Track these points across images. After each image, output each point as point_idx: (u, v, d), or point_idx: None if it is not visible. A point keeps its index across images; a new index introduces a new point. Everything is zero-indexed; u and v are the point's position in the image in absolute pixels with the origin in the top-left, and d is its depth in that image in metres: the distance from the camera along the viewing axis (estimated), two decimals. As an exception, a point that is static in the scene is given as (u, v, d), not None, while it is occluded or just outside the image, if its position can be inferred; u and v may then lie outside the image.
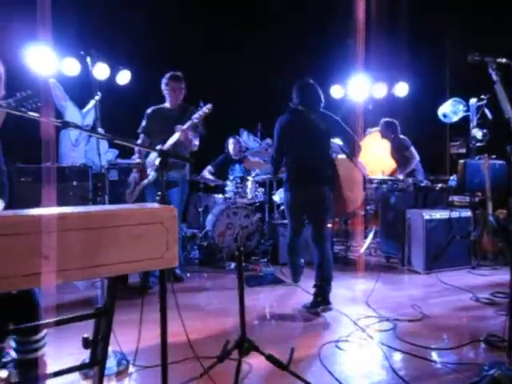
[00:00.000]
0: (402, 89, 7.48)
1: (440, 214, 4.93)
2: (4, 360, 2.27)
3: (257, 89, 6.46)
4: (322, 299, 3.58)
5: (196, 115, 4.07)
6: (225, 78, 6.35)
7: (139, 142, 4.34)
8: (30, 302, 1.97)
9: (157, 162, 1.74)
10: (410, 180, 5.38)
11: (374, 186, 5.78)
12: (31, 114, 1.81)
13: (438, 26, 6.65)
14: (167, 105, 4.45)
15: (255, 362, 2.58)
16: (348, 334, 3.09)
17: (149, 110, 4.44)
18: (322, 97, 3.83)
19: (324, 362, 2.66)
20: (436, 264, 4.82)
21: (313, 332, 3.22)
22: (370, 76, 7.23)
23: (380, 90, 7.51)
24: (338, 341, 2.98)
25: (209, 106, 4.12)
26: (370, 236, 5.74)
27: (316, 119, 3.75)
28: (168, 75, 4.39)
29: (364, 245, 5.68)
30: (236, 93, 6.31)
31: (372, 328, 3.22)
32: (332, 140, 3.95)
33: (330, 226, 5.41)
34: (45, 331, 2.03)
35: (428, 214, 4.87)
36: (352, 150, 4.09)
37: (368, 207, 5.86)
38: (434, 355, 2.80)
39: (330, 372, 2.54)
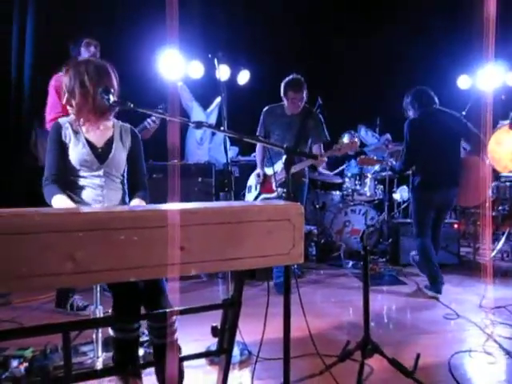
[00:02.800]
0: (542, 76, 6.72)
1: None
2: (141, 339, 2.50)
3: (375, 82, 6.26)
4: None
5: (338, 147, 3.77)
6: (342, 72, 6.25)
7: (258, 147, 4.25)
8: (158, 289, 2.12)
9: (283, 159, 1.77)
10: (553, 178, 4.81)
11: (508, 184, 5.26)
12: (165, 114, 1.94)
13: None
14: (286, 108, 4.07)
15: (376, 365, 2.51)
16: (479, 345, 2.86)
17: (265, 110, 4.15)
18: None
19: (453, 373, 2.49)
20: None
21: (438, 339, 3.02)
22: (503, 64, 6.61)
23: (515, 79, 6.84)
24: (469, 351, 2.77)
25: (356, 140, 3.91)
26: (502, 239, 5.24)
27: (447, 120, 3.87)
28: (286, 82, 3.95)
29: (495, 248, 5.22)
30: (354, 87, 6.17)
31: (505, 339, 2.94)
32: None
33: (456, 226, 5.09)
34: (175, 317, 2.17)
35: None
36: (477, 149, 4.11)
37: (500, 207, 5.35)
38: None
39: None
